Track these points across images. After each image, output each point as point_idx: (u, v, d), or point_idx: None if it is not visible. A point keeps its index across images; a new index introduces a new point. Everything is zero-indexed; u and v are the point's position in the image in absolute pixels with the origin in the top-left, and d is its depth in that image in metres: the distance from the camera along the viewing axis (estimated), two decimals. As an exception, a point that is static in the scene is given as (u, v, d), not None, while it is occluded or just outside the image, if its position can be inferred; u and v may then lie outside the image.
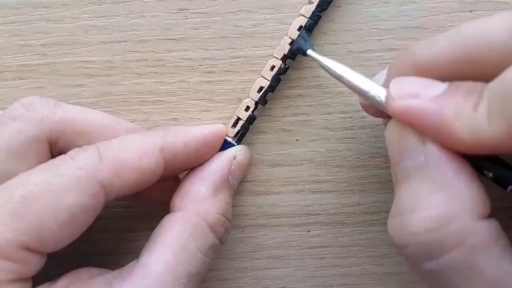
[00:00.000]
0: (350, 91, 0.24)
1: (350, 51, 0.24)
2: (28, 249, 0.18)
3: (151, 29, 0.24)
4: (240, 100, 0.24)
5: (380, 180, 0.25)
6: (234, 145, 0.24)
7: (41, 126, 0.21)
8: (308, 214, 0.25)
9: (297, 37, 0.23)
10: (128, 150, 0.20)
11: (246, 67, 0.24)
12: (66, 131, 0.21)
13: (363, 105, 0.22)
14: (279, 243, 0.25)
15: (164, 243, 0.20)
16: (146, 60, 0.25)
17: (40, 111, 0.21)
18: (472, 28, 0.18)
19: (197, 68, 0.25)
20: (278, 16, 0.24)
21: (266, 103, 0.24)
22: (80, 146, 0.20)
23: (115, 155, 0.20)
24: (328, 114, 0.25)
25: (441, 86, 0.18)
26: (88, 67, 0.25)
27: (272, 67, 0.24)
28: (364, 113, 0.25)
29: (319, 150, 0.25)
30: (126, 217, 0.25)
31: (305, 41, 0.23)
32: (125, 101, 0.25)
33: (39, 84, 0.25)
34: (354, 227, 0.25)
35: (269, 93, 0.24)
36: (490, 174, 0.17)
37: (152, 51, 0.24)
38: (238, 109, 0.24)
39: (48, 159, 0.21)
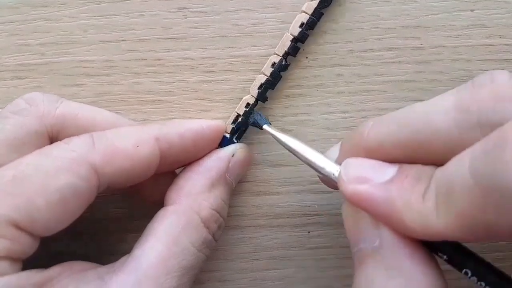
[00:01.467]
0: (350, 90, 0.24)
1: (351, 50, 0.24)
2: (18, 227, 0.18)
3: (150, 28, 0.24)
4: (240, 99, 0.24)
5: (381, 180, 0.25)
6: (234, 143, 0.24)
7: (42, 120, 0.21)
8: (309, 214, 0.25)
9: (253, 113, 0.23)
10: (122, 138, 0.20)
11: (246, 66, 0.24)
12: (67, 126, 0.21)
13: (320, 178, 0.22)
14: (279, 243, 0.25)
15: (156, 236, 0.20)
16: (145, 59, 0.24)
17: (42, 106, 0.21)
18: (419, 112, 0.17)
19: (196, 68, 0.24)
20: (278, 15, 0.24)
21: (266, 100, 0.24)
22: None
23: (108, 141, 0.20)
24: (329, 114, 0.25)
25: (390, 170, 0.18)
26: (87, 67, 0.24)
27: (273, 64, 0.24)
28: (365, 113, 0.25)
29: (320, 150, 0.25)
30: (126, 218, 0.25)
31: (261, 115, 0.23)
32: (124, 100, 0.25)
33: (38, 84, 0.24)
34: (355, 228, 0.25)
35: (270, 92, 0.24)
36: (445, 257, 0.17)
37: (151, 51, 0.24)
38: (238, 106, 0.24)
39: None
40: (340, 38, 0.24)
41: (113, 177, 0.20)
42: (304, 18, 0.23)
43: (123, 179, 0.20)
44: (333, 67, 0.24)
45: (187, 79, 0.24)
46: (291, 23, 0.24)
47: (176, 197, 0.22)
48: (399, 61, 0.24)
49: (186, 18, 0.24)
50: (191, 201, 0.21)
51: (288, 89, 0.25)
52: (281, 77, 0.24)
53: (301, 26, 0.23)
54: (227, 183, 0.23)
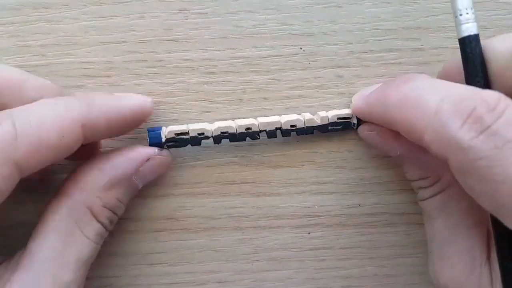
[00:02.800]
0: (351, 92, 0.24)
1: (351, 51, 0.24)
2: None
3: (151, 29, 0.24)
4: (240, 100, 0.24)
5: (381, 181, 0.25)
6: (161, 146, 0.23)
7: None
8: (309, 215, 0.25)
9: None
10: (47, 127, 0.19)
11: (246, 67, 0.24)
12: None
13: None
14: (279, 245, 0.25)
15: (50, 229, 0.20)
16: (146, 60, 0.24)
17: None
18: None
19: (197, 69, 0.24)
20: (279, 16, 0.24)
21: (218, 144, 0.24)
22: None
23: (32, 133, 0.18)
24: (329, 115, 0.25)
25: None
26: (88, 68, 0.24)
27: (248, 128, 0.23)
28: (365, 114, 0.25)
29: (320, 151, 0.25)
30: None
31: None
32: (125, 102, 0.25)
33: (39, 85, 0.24)
34: (355, 229, 0.25)
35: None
36: None
37: (152, 52, 0.24)
38: (197, 126, 0.23)
39: None
40: (340, 39, 0.24)
41: (36, 168, 0.19)
42: (300, 124, 0.24)
43: (43, 167, 0.19)
44: (333, 68, 0.24)
45: (187, 81, 0.24)
46: (292, 24, 0.24)
47: (71, 190, 0.21)
48: (400, 63, 0.24)
49: (187, 19, 0.24)
50: (84, 196, 0.21)
51: (288, 90, 0.25)
52: (245, 140, 0.24)
53: (292, 126, 0.24)
54: (130, 185, 0.22)
